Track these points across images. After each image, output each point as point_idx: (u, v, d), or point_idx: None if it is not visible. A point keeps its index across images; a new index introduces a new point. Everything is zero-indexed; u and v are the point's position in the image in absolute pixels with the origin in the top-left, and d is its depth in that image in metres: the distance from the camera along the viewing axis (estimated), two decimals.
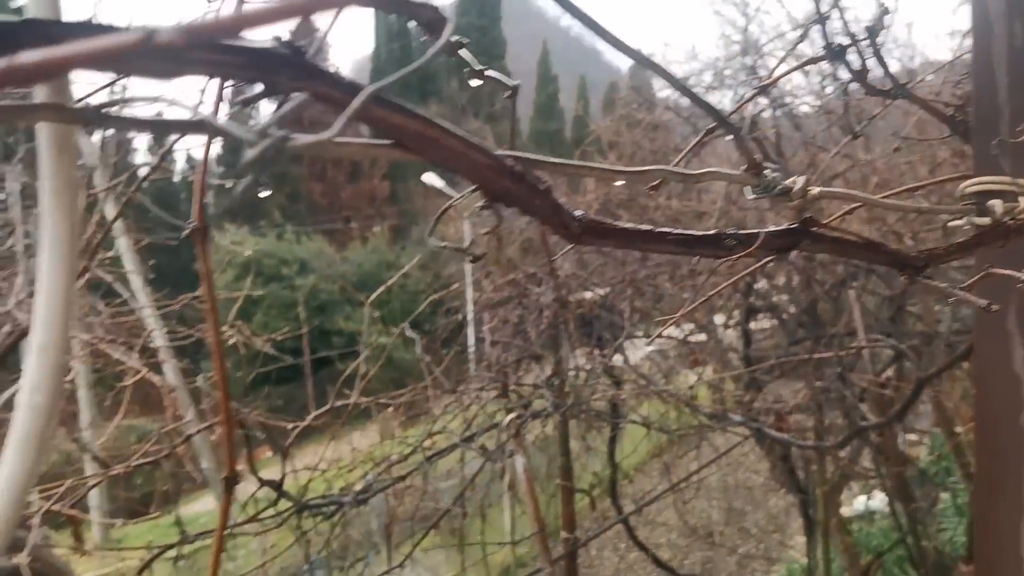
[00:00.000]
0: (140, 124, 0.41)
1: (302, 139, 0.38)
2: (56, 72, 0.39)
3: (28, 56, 0.30)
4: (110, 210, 4.23)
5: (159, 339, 4.70)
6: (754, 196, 0.77)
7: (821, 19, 1.14)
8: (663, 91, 8.95)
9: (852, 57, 1.17)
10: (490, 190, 0.56)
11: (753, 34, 7.62)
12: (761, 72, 7.05)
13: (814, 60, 0.95)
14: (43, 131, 0.41)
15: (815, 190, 0.77)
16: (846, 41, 1.19)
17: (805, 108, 7.63)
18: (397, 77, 0.44)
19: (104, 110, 0.40)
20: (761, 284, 6.68)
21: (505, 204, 0.57)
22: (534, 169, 0.58)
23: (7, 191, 4.24)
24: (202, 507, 13.83)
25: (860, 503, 8.94)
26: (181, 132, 0.44)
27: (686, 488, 6.46)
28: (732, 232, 0.77)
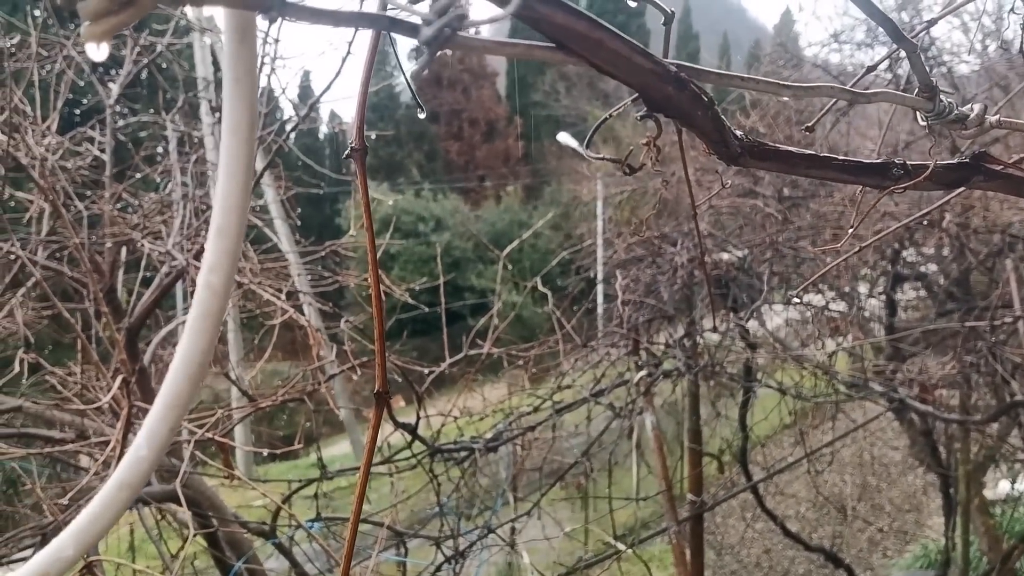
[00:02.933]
0: (318, 15, 0.42)
1: (474, 19, 0.38)
2: None
3: None
4: (259, 160, 4.42)
5: (303, 284, 4.90)
6: (926, 123, 0.72)
7: None
8: (810, 48, 8.57)
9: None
10: (651, 97, 0.54)
11: None
12: (919, 28, 6.63)
13: None
14: (226, 18, 0.43)
15: (994, 118, 0.72)
16: None
17: (964, 68, 7.17)
18: None
19: None
20: (909, 252, 6.37)
21: (665, 114, 0.56)
22: (697, 79, 0.57)
23: (168, 140, 4.49)
24: (338, 451, 14.44)
25: (1005, 486, 8.47)
26: (358, 24, 0.44)
27: (819, 459, 6.27)
28: (900, 161, 0.73)
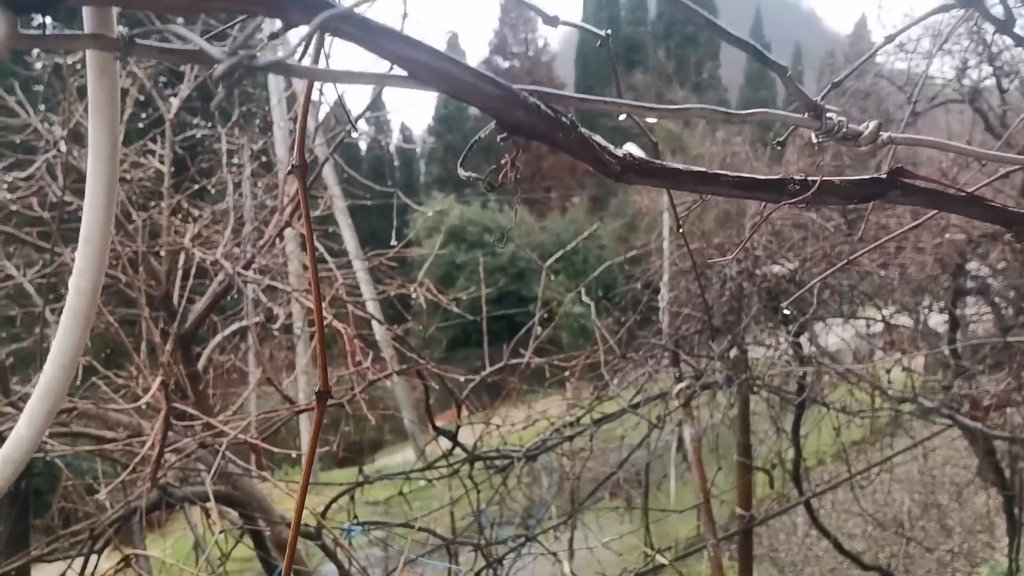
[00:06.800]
0: (160, 52, 0.48)
1: (265, 58, 0.43)
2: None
3: None
4: (328, 172, 4.56)
5: (368, 291, 5.01)
6: (817, 141, 0.75)
7: None
8: (879, 57, 8.43)
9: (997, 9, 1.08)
10: (504, 121, 0.59)
11: None
12: (987, 36, 6.48)
13: (943, 9, 0.89)
14: (88, 57, 0.49)
15: (886, 135, 0.74)
16: None
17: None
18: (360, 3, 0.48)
19: (135, 40, 0.48)
20: (973, 266, 6.20)
21: (523, 136, 0.60)
22: (560, 104, 0.61)
23: (219, 152, 4.66)
24: (402, 458, 14.64)
25: None
26: (205, 63, 0.50)
27: (877, 476, 6.13)
28: (798, 177, 0.76)
